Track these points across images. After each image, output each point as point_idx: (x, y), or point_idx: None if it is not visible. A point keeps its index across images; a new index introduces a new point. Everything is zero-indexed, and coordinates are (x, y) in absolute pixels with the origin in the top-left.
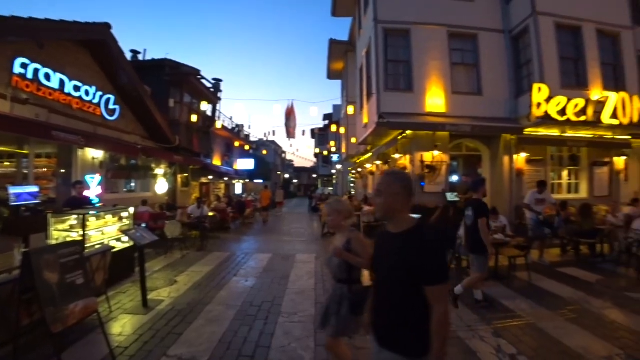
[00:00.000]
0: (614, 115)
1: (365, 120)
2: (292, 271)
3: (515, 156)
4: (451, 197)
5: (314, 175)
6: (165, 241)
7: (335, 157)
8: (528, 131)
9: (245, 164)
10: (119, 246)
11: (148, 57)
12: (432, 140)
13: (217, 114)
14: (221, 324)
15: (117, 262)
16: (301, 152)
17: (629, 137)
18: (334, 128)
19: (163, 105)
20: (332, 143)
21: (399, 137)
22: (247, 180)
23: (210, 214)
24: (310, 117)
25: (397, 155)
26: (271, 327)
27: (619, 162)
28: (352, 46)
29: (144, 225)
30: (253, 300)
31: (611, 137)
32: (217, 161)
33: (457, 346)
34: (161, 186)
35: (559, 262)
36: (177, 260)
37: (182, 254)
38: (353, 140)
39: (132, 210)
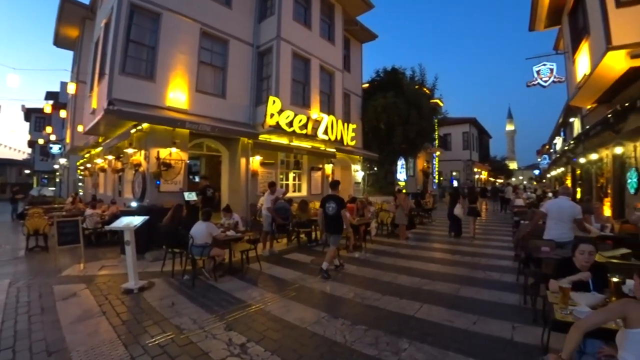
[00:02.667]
0: (326, 132)
1: (94, 104)
2: None
3: (251, 158)
4: (189, 196)
5: (28, 171)
6: None
7: (56, 148)
8: (263, 137)
9: None
10: None
11: None
12: (170, 137)
13: None
14: None
15: None
16: (3, 137)
17: (335, 150)
18: (48, 109)
19: None
20: (50, 129)
21: (134, 131)
22: None
23: None
24: (9, 89)
25: (130, 150)
26: None
27: (328, 168)
28: (93, 13)
29: None
30: None
31: (324, 148)
32: None
33: (189, 352)
34: None
35: (285, 250)
36: None
37: None
38: (80, 128)
39: None
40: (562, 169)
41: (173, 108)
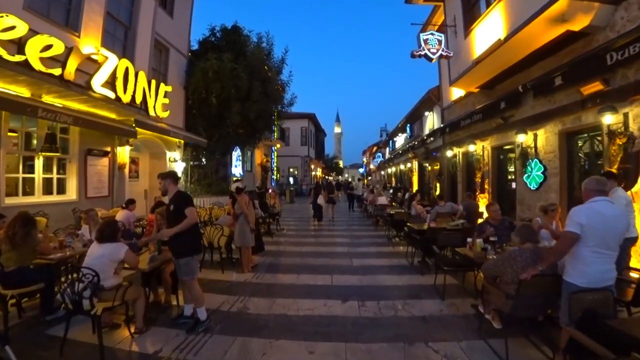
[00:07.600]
0: (113, 87)
1: None
2: None
3: None
4: None
5: None
6: None
7: None
8: None
9: None
10: None
11: None
12: None
13: None
14: None
15: None
16: None
17: (134, 125)
18: None
19: None
20: None
21: None
22: None
23: None
24: None
25: None
26: None
27: (122, 153)
28: None
29: None
30: None
31: (116, 119)
32: None
33: None
34: None
35: None
36: None
37: None
38: None
39: None
40: (409, 164)
41: None
